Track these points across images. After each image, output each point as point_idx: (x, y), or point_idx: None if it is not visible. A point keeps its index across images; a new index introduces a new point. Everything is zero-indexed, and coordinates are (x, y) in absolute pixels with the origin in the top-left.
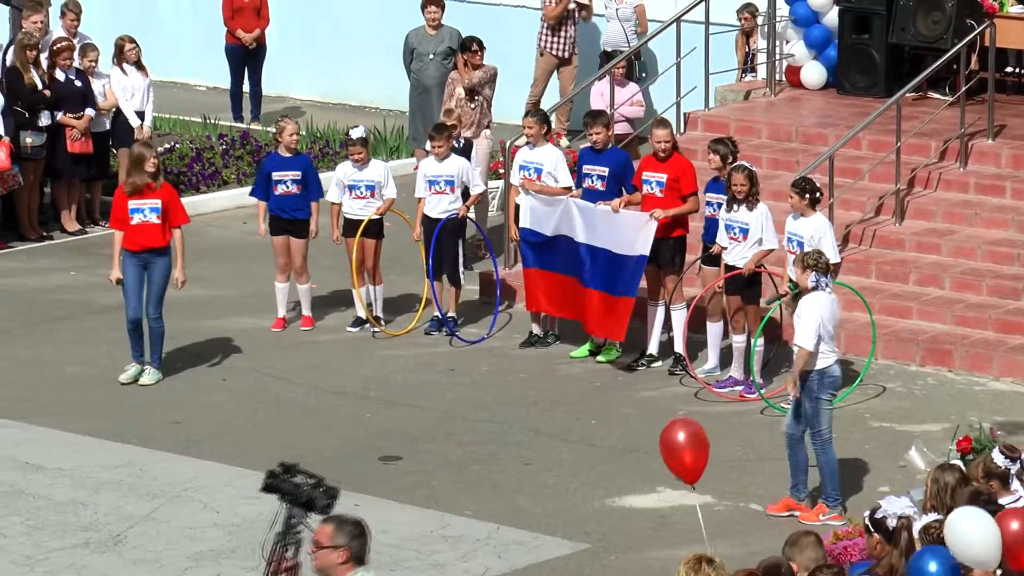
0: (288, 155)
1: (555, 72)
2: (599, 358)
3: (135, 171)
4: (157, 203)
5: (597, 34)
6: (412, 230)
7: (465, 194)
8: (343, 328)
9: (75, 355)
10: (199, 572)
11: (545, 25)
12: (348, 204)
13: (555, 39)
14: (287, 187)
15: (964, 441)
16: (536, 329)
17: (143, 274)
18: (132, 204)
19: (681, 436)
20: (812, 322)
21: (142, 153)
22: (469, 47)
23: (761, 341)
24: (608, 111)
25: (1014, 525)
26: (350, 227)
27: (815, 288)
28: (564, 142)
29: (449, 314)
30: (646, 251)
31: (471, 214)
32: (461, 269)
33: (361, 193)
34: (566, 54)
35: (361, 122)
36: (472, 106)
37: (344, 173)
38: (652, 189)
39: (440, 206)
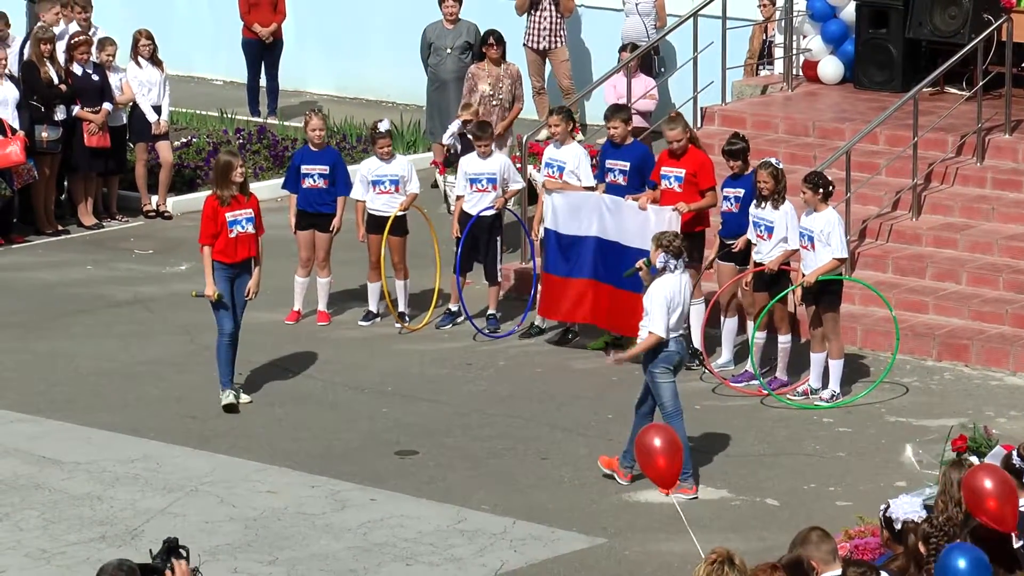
0: (317, 149)
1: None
2: None
3: (223, 181)
4: (251, 212)
5: (608, 28)
6: (442, 227)
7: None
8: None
9: (91, 349)
10: (216, 566)
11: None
12: (371, 199)
13: (528, 31)
14: (314, 181)
15: (959, 440)
16: (538, 320)
17: (231, 287)
18: (230, 216)
19: (657, 442)
20: (664, 307)
21: (229, 162)
22: (486, 40)
23: (788, 338)
24: (623, 104)
25: (986, 482)
26: (373, 223)
27: (663, 269)
28: (579, 137)
29: (490, 311)
30: None
31: (515, 209)
32: (499, 266)
33: (385, 188)
34: (540, 46)
35: (377, 117)
36: (495, 104)
37: (368, 168)
38: (671, 184)
39: (481, 203)
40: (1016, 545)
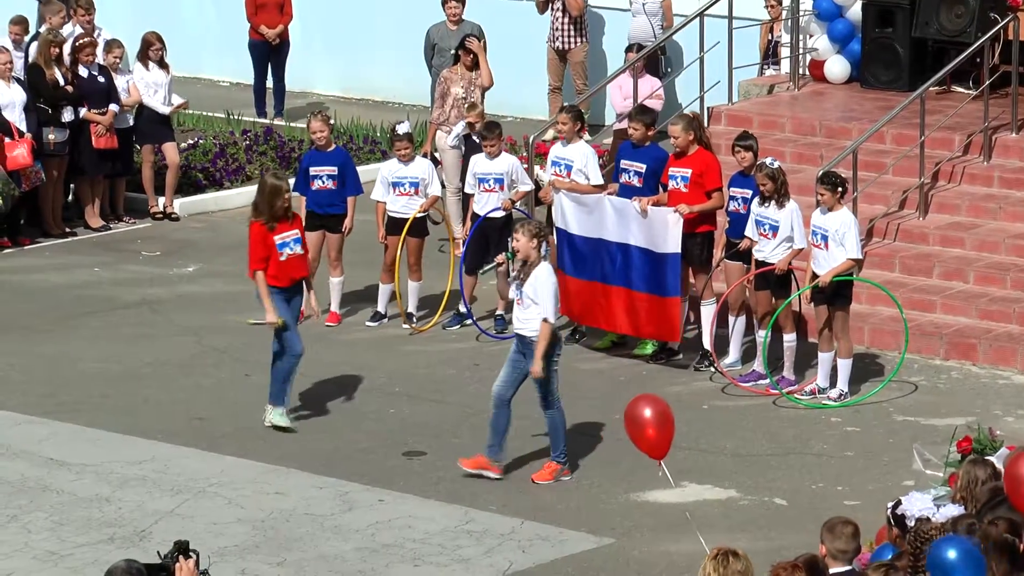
0: (323, 150)
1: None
2: (636, 351)
3: (271, 205)
4: (297, 233)
5: (615, 28)
6: (457, 226)
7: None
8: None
9: (99, 351)
10: (224, 567)
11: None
12: (392, 201)
13: (550, 30)
14: (323, 182)
15: (964, 441)
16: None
17: (288, 308)
18: (279, 239)
19: (647, 412)
20: (555, 294)
21: (278, 185)
22: (462, 45)
23: (793, 336)
24: (629, 106)
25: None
26: (393, 225)
27: (544, 258)
28: (586, 137)
29: (498, 312)
30: (678, 248)
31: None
32: None
33: (405, 190)
34: (560, 45)
35: (383, 117)
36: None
37: (389, 170)
38: (677, 184)
39: (490, 203)
40: None
